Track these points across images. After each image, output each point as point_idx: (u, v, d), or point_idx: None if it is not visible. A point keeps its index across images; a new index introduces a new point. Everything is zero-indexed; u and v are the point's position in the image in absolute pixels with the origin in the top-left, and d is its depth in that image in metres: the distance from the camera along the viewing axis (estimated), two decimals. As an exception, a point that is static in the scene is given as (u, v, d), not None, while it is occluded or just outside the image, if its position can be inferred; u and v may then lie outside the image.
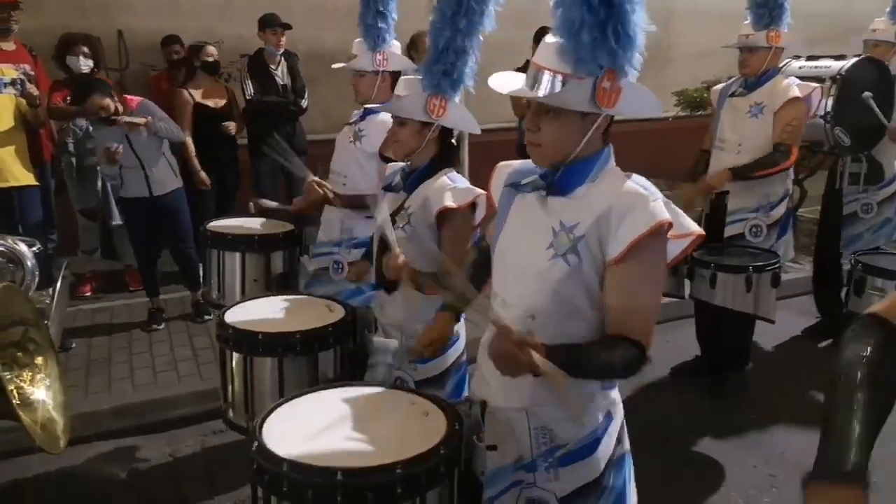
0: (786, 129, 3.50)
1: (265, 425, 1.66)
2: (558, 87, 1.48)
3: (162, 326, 4.54)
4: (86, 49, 4.51)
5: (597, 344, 1.52)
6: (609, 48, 1.43)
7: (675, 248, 1.56)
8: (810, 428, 3.53)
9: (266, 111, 5.10)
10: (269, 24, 5.08)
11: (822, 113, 3.73)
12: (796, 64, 3.89)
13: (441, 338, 2.12)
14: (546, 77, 1.49)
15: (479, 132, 2.32)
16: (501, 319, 1.45)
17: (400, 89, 2.31)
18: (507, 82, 1.60)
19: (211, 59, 5.03)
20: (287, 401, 1.80)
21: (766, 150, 3.57)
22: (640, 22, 1.45)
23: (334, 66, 3.22)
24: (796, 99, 3.51)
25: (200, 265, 4.27)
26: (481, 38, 2.16)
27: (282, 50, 5.16)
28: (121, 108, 4.13)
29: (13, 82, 3.85)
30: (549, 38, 1.51)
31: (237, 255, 3.09)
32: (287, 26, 5.11)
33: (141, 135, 4.13)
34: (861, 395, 1.13)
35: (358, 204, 2.91)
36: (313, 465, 1.47)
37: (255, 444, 1.57)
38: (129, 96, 4.35)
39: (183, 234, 4.49)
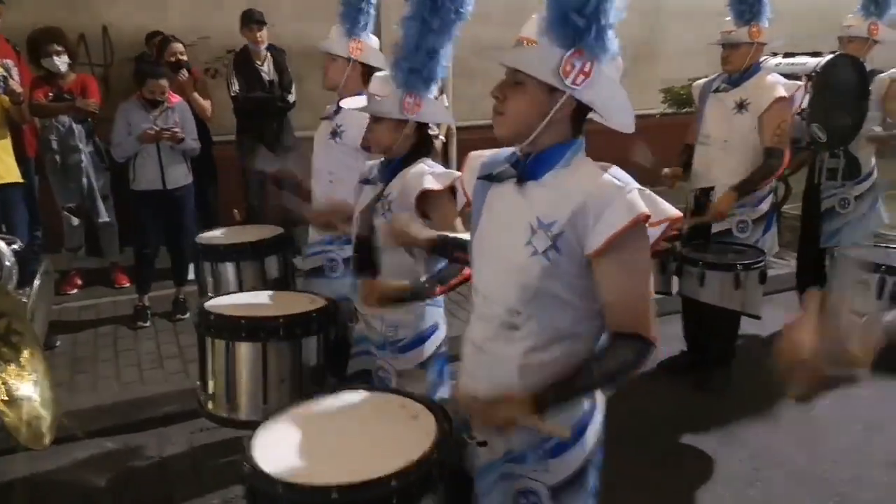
0: (776, 133, 3.53)
1: (256, 442, 1.62)
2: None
3: (148, 324, 4.52)
4: (58, 47, 4.52)
5: (588, 363, 1.53)
6: (582, 24, 1.43)
7: (654, 233, 1.56)
8: (795, 422, 3.56)
9: (253, 108, 5.08)
10: (247, 20, 5.07)
11: (799, 109, 3.77)
12: (773, 61, 3.92)
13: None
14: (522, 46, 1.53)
15: (452, 122, 2.34)
16: (466, 399, 1.54)
17: (374, 87, 2.32)
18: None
19: (174, 59, 4.97)
20: (277, 416, 1.77)
21: (753, 145, 3.59)
22: (619, 10, 1.46)
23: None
24: (782, 99, 3.53)
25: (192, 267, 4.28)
26: (457, 35, 2.14)
27: (263, 46, 5.14)
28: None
29: (-4, 79, 3.82)
30: (536, 14, 1.54)
31: (231, 265, 3.06)
32: (262, 22, 5.09)
33: (166, 136, 4.33)
34: None
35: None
36: (307, 484, 1.45)
37: (247, 465, 1.53)
38: (172, 94, 4.51)
39: (187, 230, 4.50)
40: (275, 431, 1.69)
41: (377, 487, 1.44)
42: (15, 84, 4.08)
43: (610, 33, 1.47)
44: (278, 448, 1.61)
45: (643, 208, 1.46)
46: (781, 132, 3.55)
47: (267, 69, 5.18)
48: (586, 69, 1.46)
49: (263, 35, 5.10)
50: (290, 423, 1.73)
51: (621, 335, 1.52)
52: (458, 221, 2.17)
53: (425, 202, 2.19)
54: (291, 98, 5.20)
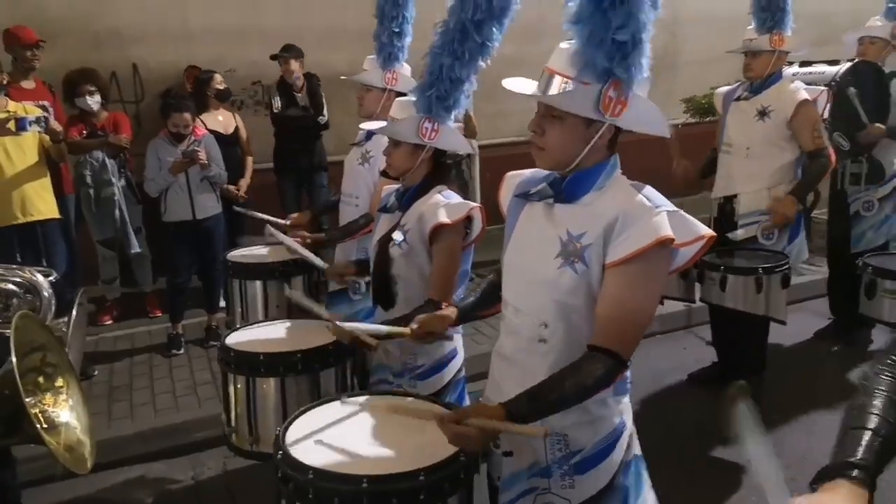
0: (814, 135, 3.52)
1: (288, 433, 1.69)
2: (564, 91, 1.51)
3: (182, 351, 4.62)
4: (91, 87, 4.68)
5: (560, 373, 1.51)
6: (619, 57, 1.45)
7: (688, 253, 1.57)
8: (828, 430, 3.48)
9: (292, 126, 5.34)
10: (279, 54, 5.25)
11: (823, 118, 3.77)
12: (790, 71, 3.91)
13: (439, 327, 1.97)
14: (555, 80, 1.52)
15: (470, 152, 2.36)
16: (429, 411, 1.57)
17: (395, 111, 2.35)
18: (521, 85, 1.62)
19: (222, 87, 5.23)
20: (308, 410, 1.83)
21: (775, 153, 3.58)
22: (649, 35, 1.48)
23: (343, 77, 3.30)
24: (806, 101, 3.52)
25: (222, 291, 4.38)
26: (482, 65, 2.17)
27: (295, 76, 5.30)
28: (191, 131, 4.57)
29: (38, 120, 3.96)
30: (564, 44, 1.54)
31: (258, 284, 3.13)
32: (293, 56, 5.25)
33: (196, 163, 4.48)
34: (878, 403, 1.14)
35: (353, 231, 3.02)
36: (338, 472, 1.50)
37: (280, 452, 1.59)
38: (197, 127, 4.65)
39: (217, 258, 4.59)
40: (307, 424, 1.75)
41: (406, 480, 1.48)
42: (55, 123, 4.23)
43: (644, 61, 1.49)
44: (311, 439, 1.66)
45: (667, 231, 1.47)
46: (818, 132, 3.54)
47: (303, 95, 5.37)
48: (623, 98, 1.50)
49: (294, 67, 5.26)
50: (323, 417, 1.78)
51: (597, 349, 1.50)
52: (454, 254, 2.22)
53: (436, 234, 2.21)
54: (323, 119, 5.36)
